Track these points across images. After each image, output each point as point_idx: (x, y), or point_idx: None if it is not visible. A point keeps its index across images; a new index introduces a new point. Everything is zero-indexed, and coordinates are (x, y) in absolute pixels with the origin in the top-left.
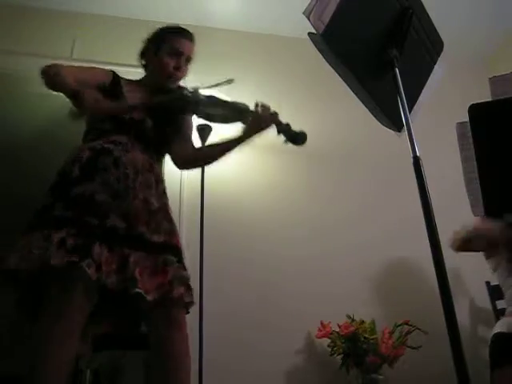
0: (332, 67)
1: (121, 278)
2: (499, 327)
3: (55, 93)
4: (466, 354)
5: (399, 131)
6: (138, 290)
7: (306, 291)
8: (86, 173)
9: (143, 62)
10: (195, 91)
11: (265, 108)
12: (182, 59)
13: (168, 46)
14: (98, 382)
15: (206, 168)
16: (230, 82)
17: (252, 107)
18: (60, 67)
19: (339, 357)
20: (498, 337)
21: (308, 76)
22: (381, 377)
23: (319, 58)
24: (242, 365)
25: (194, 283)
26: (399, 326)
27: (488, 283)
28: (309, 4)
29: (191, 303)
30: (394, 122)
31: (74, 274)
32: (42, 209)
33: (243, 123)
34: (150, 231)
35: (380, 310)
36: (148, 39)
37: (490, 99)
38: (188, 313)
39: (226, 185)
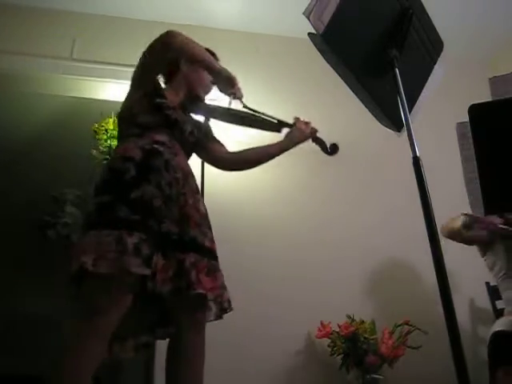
0: (332, 67)
1: (177, 285)
2: (498, 326)
3: (55, 93)
4: (466, 354)
5: (399, 131)
6: (199, 290)
7: (306, 291)
8: (142, 173)
9: (169, 70)
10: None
11: (306, 122)
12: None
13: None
14: (97, 382)
15: (206, 166)
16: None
17: (291, 120)
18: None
19: (339, 357)
20: (497, 335)
21: (308, 76)
22: (381, 377)
23: (319, 58)
24: (242, 364)
25: None
26: (399, 326)
27: (488, 283)
28: (309, 4)
29: (231, 310)
30: (393, 121)
31: (133, 282)
32: (103, 207)
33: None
34: (202, 235)
35: (380, 310)
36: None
37: (490, 99)
38: (222, 318)
39: (225, 184)
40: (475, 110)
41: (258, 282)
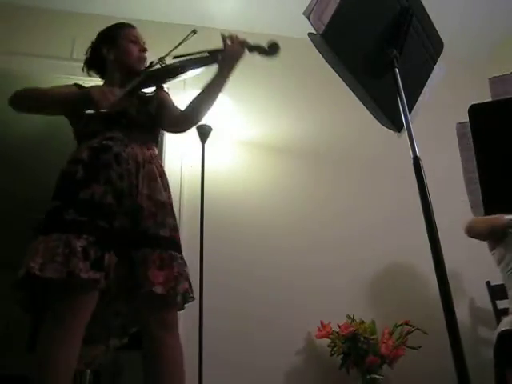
0: (332, 67)
1: (129, 284)
2: (504, 325)
3: None
4: (466, 354)
5: (399, 131)
6: (146, 288)
7: (306, 291)
8: (90, 172)
9: (98, 64)
10: (160, 60)
11: (233, 38)
12: (141, 44)
13: (124, 38)
14: (97, 381)
15: (206, 167)
16: (194, 32)
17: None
18: (34, 90)
19: (339, 357)
20: (504, 335)
21: (308, 76)
22: (381, 377)
23: (319, 58)
24: (242, 364)
25: (194, 281)
26: (399, 326)
27: (488, 283)
28: (309, 4)
29: (192, 298)
30: (393, 122)
31: (84, 284)
32: (53, 210)
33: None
34: (156, 226)
35: (380, 310)
36: (96, 42)
37: (490, 99)
38: (183, 308)
39: (225, 182)
40: (475, 110)
41: (258, 282)
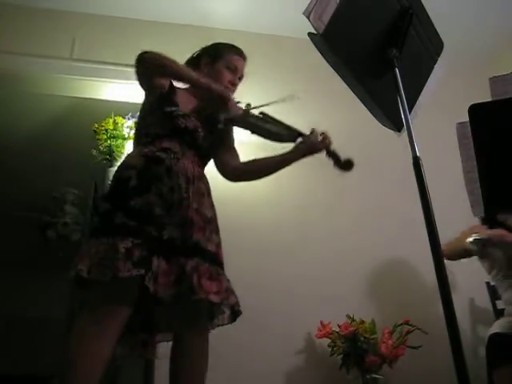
0: (332, 67)
1: (178, 290)
2: (494, 328)
3: (55, 93)
4: (465, 354)
5: (399, 131)
6: (200, 295)
7: (306, 291)
8: (143, 182)
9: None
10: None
11: (325, 135)
12: (237, 76)
13: (225, 61)
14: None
15: (207, 170)
16: (291, 98)
17: (306, 131)
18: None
19: (339, 357)
20: (494, 337)
21: (308, 76)
22: (381, 377)
23: (319, 58)
24: (242, 364)
25: None
26: (399, 326)
27: (488, 283)
28: (309, 4)
29: (240, 312)
30: (393, 122)
31: (129, 286)
32: (104, 214)
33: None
34: (205, 240)
35: (380, 310)
36: (204, 49)
37: (490, 99)
38: (235, 321)
39: (224, 184)
40: (475, 110)
41: (258, 282)
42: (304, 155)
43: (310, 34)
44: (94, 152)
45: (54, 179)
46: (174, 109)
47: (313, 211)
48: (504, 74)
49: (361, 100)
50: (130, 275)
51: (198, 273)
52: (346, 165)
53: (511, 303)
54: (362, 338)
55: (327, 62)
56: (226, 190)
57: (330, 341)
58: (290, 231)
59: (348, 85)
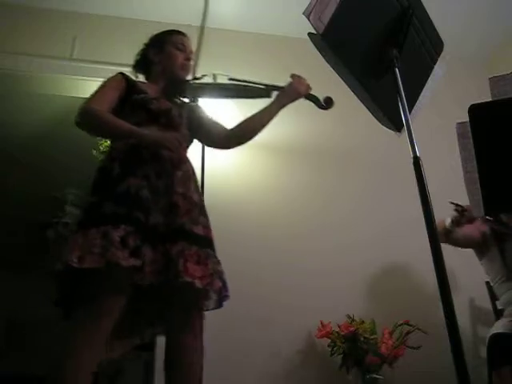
0: (332, 67)
1: (165, 275)
2: (496, 328)
3: (55, 93)
4: (466, 354)
5: (399, 131)
6: (186, 279)
7: (306, 291)
8: (127, 167)
9: (145, 67)
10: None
11: (301, 80)
12: (187, 53)
13: (171, 43)
14: (96, 382)
15: (206, 166)
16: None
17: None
18: (93, 108)
19: (339, 357)
20: (495, 338)
21: (308, 76)
22: (381, 377)
23: (319, 58)
24: (242, 364)
25: None
26: (399, 326)
27: (488, 283)
28: (309, 4)
29: (227, 297)
30: (393, 122)
31: (123, 275)
32: (90, 206)
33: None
34: (191, 222)
35: (380, 310)
36: (147, 44)
37: (490, 99)
38: (221, 306)
39: (225, 183)
40: (475, 110)
41: (258, 281)
42: (286, 102)
43: (310, 34)
44: (94, 152)
45: (54, 179)
46: (142, 95)
47: (314, 213)
48: (504, 73)
49: (361, 100)
50: (128, 264)
51: (183, 257)
52: (327, 103)
53: (510, 304)
54: (362, 338)
55: (327, 62)
56: (223, 184)
57: (330, 341)
58: (290, 232)
59: (348, 85)
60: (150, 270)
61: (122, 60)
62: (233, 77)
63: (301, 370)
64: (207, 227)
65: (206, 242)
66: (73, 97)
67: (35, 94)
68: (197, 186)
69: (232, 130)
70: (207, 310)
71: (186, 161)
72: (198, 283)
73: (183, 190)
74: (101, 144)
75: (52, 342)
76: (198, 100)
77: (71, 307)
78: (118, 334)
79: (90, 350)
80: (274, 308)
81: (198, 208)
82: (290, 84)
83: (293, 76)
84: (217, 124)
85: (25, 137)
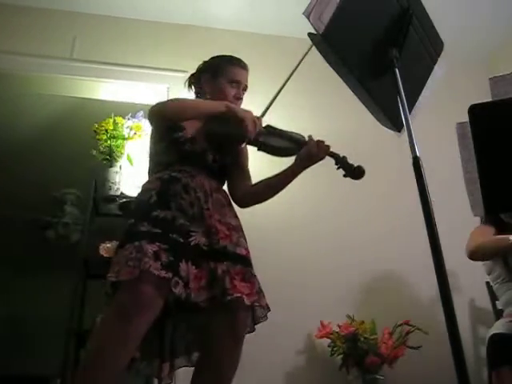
0: (332, 67)
1: (212, 292)
2: (495, 328)
3: (55, 93)
4: (466, 354)
5: (399, 131)
6: (236, 295)
7: (307, 291)
8: (162, 201)
9: (195, 89)
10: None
11: (320, 144)
12: (241, 89)
13: (226, 76)
14: None
15: None
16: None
17: (306, 138)
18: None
19: (339, 357)
20: (494, 338)
21: (308, 76)
22: (381, 377)
23: (319, 58)
24: (243, 364)
25: None
26: (399, 326)
27: (488, 283)
28: (309, 4)
29: (265, 318)
30: (393, 122)
31: (158, 284)
32: (128, 227)
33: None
34: (232, 245)
35: (380, 310)
36: (204, 64)
37: (490, 99)
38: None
39: None
40: (475, 110)
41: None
42: (306, 166)
43: (309, 34)
44: (94, 152)
45: (54, 179)
46: (180, 134)
47: (313, 211)
48: (504, 73)
49: (361, 100)
50: (158, 274)
51: (229, 275)
52: (357, 173)
53: (511, 304)
54: (362, 339)
55: (327, 62)
56: None
57: (330, 341)
58: (290, 233)
59: (348, 85)
60: (196, 287)
61: (122, 60)
62: (271, 125)
63: (301, 370)
64: (247, 250)
65: (248, 262)
66: (73, 97)
67: (35, 94)
68: (234, 213)
69: (252, 188)
70: (259, 322)
71: (220, 190)
72: (246, 300)
73: (219, 217)
74: (100, 144)
75: (52, 341)
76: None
77: None
78: (157, 351)
79: (114, 350)
80: (273, 308)
81: (237, 231)
82: (309, 148)
83: (309, 140)
84: (244, 177)
85: (24, 137)
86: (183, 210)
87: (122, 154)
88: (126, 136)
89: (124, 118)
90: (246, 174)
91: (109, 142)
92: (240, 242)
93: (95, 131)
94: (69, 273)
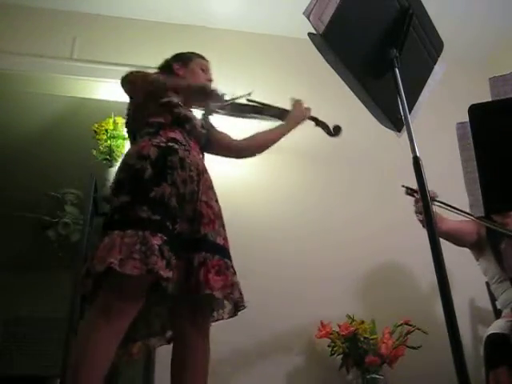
0: (332, 67)
1: (187, 285)
2: (493, 328)
3: (55, 93)
4: (465, 353)
5: (399, 131)
6: (207, 292)
7: (306, 291)
8: (159, 172)
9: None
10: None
11: (301, 105)
12: (209, 76)
13: (196, 63)
14: None
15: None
16: (249, 94)
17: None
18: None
19: (339, 357)
20: (491, 338)
21: (308, 77)
22: (381, 377)
23: (319, 58)
24: (242, 364)
25: None
26: (399, 326)
27: (488, 283)
28: (309, 4)
29: (243, 307)
30: (393, 122)
31: (150, 282)
32: (124, 206)
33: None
34: (214, 233)
35: (380, 310)
36: (172, 58)
37: (490, 99)
38: (236, 315)
39: (228, 183)
40: (475, 110)
41: (258, 282)
42: (294, 126)
43: (310, 34)
44: (94, 152)
45: (54, 179)
46: (170, 99)
47: (313, 210)
48: (504, 73)
49: (361, 100)
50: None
51: (205, 267)
52: (335, 131)
53: (508, 305)
54: (362, 338)
55: (327, 62)
56: (223, 185)
57: (329, 341)
58: (290, 232)
59: (348, 85)
60: (174, 278)
61: (122, 60)
62: (251, 98)
63: (301, 370)
64: (226, 240)
65: (226, 252)
66: (73, 97)
67: (35, 93)
68: (216, 197)
69: (244, 141)
70: (222, 318)
71: (207, 170)
72: (217, 294)
73: (206, 199)
74: (101, 144)
75: (52, 341)
76: (212, 115)
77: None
78: (133, 334)
79: (104, 350)
80: (273, 308)
81: (220, 219)
82: (294, 109)
83: (294, 101)
84: (225, 134)
85: (25, 137)
86: (176, 186)
87: (121, 153)
88: (126, 136)
89: (124, 117)
90: (225, 134)
91: (109, 141)
92: (220, 231)
93: (95, 131)
94: (69, 272)
